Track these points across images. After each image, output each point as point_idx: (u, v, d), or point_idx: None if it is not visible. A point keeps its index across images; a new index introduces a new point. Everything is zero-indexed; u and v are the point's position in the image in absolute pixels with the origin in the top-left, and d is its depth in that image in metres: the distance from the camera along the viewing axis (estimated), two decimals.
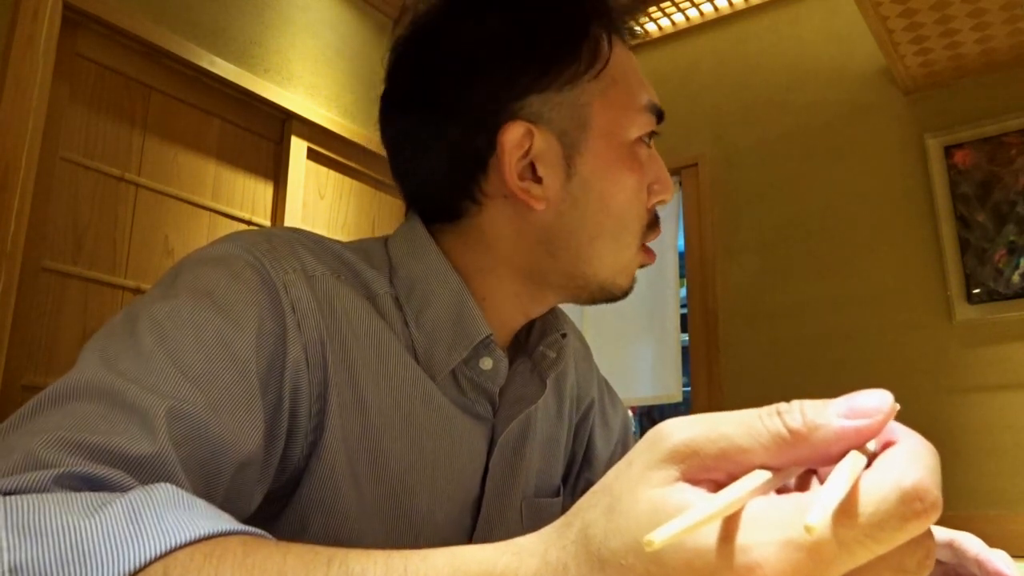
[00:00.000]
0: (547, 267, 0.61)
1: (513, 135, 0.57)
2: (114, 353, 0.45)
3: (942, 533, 0.54)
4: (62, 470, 0.36)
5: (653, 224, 0.64)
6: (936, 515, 0.23)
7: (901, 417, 0.27)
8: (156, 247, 2.05)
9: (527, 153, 0.58)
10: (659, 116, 0.63)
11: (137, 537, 0.31)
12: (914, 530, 0.22)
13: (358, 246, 0.63)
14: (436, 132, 0.60)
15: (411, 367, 0.58)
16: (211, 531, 0.32)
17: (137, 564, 0.30)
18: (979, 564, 0.52)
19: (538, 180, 0.58)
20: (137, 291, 1.96)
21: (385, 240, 0.65)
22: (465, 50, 0.60)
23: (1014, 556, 0.53)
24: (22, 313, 1.73)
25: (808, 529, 0.21)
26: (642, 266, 0.65)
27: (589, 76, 0.59)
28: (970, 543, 0.53)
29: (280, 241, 0.56)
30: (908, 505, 0.22)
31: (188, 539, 0.31)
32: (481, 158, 0.58)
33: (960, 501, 2.17)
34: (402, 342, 0.58)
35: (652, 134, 0.63)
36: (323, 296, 0.54)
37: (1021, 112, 2.30)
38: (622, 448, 0.81)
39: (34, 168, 1.75)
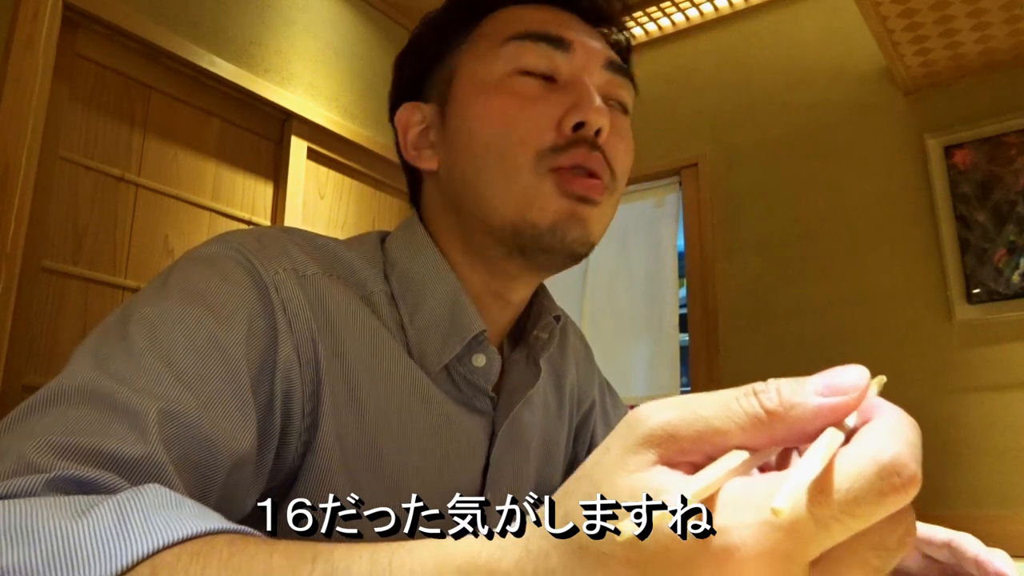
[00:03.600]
0: (468, 227, 0.62)
1: (403, 116, 0.66)
2: (106, 355, 0.45)
3: (940, 533, 0.54)
4: (54, 474, 0.36)
5: (566, 145, 0.57)
6: (915, 489, 0.22)
7: None
8: (156, 247, 2.05)
9: (427, 126, 0.65)
10: (552, 40, 0.59)
11: (124, 538, 0.31)
12: (893, 505, 0.22)
13: (353, 243, 0.63)
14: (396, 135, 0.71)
15: (406, 363, 0.58)
16: (198, 530, 0.32)
17: (124, 564, 0.30)
18: (978, 565, 0.51)
19: (432, 146, 0.64)
20: (137, 291, 1.96)
21: (383, 236, 0.66)
22: (402, 60, 0.70)
23: (1014, 556, 0.53)
24: (22, 313, 1.73)
25: (775, 512, 0.21)
26: (581, 199, 0.58)
27: (459, 42, 0.64)
28: (968, 544, 0.53)
29: (270, 240, 0.56)
30: (886, 480, 0.22)
31: (175, 539, 0.31)
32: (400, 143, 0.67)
33: (960, 501, 2.17)
34: (396, 339, 0.58)
35: (543, 76, 0.59)
36: (314, 295, 0.55)
37: (1021, 112, 2.30)
38: None
39: (34, 168, 1.75)
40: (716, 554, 0.23)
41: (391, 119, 0.68)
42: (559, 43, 0.59)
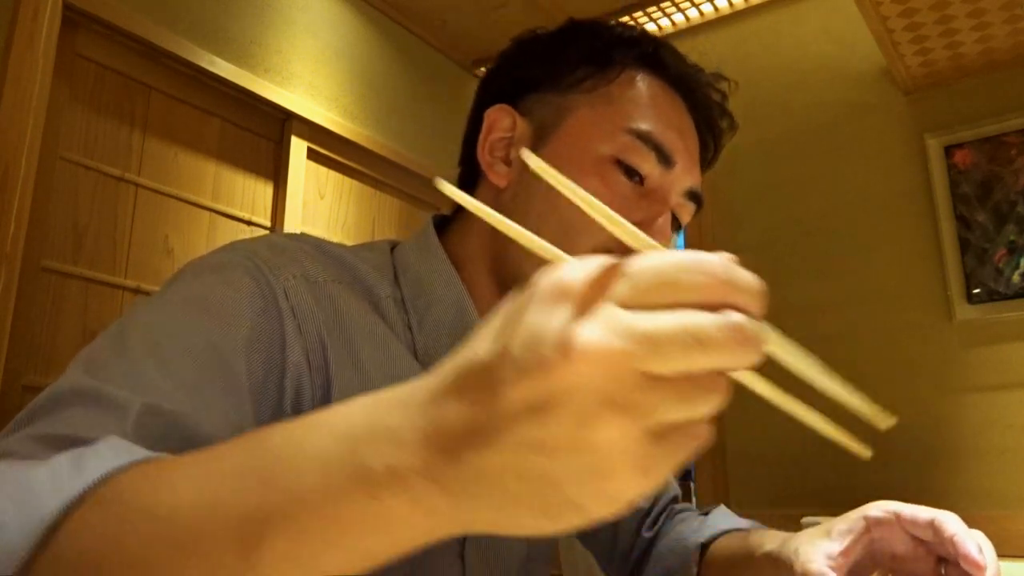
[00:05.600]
0: (503, 263, 0.63)
1: (494, 115, 0.67)
2: (101, 361, 0.45)
3: (924, 513, 0.56)
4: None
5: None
6: (716, 271, 0.25)
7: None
8: (156, 247, 2.05)
9: (512, 139, 0.66)
10: (661, 156, 0.63)
11: (80, 471, 0.33)
12: (689, 283, 0.25)
13: (362, 249, 0.64)
14: (471, 121, 0.71)
15: (413, 367, 0.58)
16: (150, 455, 0.34)
17: (82, 488, 0.32)
18: (954, 545, 0.52)
19: (509, 163, 0.65)
20: (137, 291, 1.96)
21: (393, 244, 0.67)
22: (510, 56, 0.71)
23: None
24: (22, 313, 1.73)
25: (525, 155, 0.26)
26: None
27: (584, 87, 0.65)
28: (949, 523, 0.54)
29: (281, 247, 0.57)
30: (682, 266, 0.25)
31: (128, 462, 0.33)
32: (476, 138, 0.68)
33: (960, 501, 2.17)
34: (403, 343, 0.59)
35: (637, 175, 0.62)
36: (325, 300, 0.55)
37: (1021, 112, 2.30)
38: None
39: (34, 168, 1.75)
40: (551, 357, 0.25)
41: (483, 99, 0.69)
42: (666, 160, 0.64)
